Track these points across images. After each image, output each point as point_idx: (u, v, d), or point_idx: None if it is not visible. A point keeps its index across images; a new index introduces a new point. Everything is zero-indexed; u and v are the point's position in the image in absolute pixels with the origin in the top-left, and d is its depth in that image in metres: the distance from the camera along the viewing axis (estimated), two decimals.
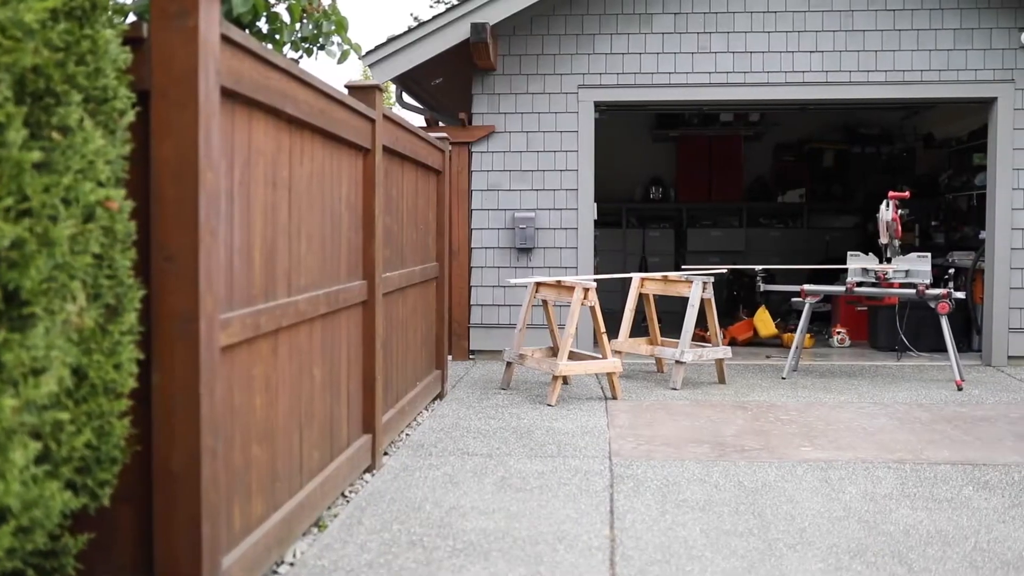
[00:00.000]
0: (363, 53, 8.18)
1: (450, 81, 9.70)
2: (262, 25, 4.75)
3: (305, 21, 4.94)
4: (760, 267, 9.06)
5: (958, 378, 7.45)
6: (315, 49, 5.07)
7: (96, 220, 2.38)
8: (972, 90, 8.70)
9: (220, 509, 2.92)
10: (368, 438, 4.85)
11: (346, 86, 4.80)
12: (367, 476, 4.82)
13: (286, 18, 4.79)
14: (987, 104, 8.82)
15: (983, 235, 9.07)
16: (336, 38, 5.05)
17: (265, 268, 3.42)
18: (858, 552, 3.73)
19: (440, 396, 7.04)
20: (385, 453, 5.25)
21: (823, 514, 4.22)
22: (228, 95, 2.99)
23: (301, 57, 5.08)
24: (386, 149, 5.22)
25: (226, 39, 2.88)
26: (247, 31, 4.57)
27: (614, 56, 8.84)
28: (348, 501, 4.40)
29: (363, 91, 4.84)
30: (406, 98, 9.78)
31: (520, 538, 3.88)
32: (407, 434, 5.79)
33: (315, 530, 3.98)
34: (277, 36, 4.80)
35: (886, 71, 8.69)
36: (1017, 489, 4.65)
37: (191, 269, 2.71)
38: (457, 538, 3.87)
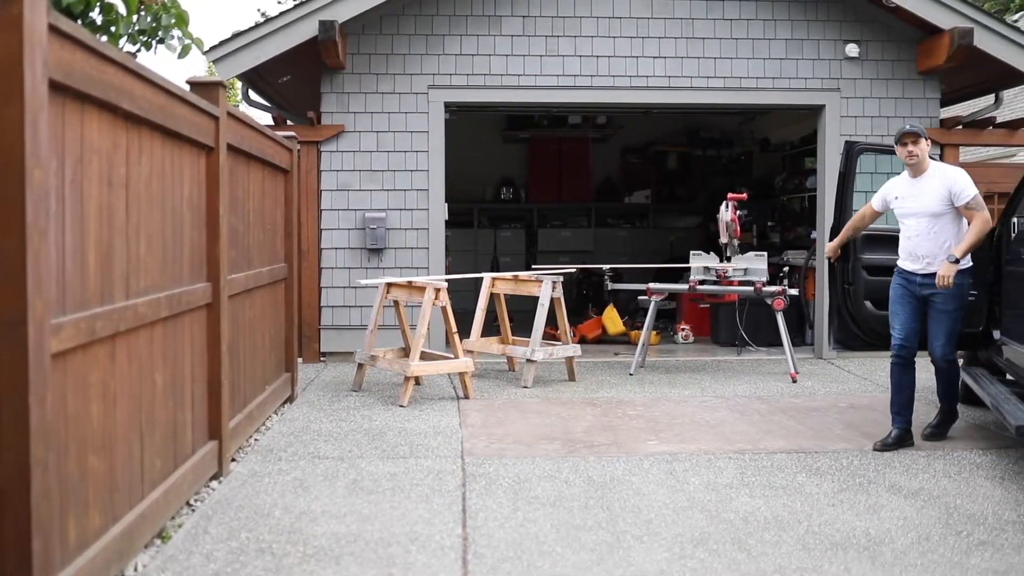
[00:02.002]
0: (206, 48, 7.92)
1: (299, 79, 9.52)
2: (96, 16, 4.54)
3: (143, 13, 4.76)
4: (608, 266, 9.30)
5: (793, 371, 7.85)
6: (154, 43, 4.90)
7: None
8: (803, 97, 9.19)
9: (53, 523, 2.78)
10: (214, 444, 4.71)
11: (188, 82, 4.64)
12: (214, 483, 4.68)
13: (122, 10, 4.60)
14: (816, 111, 9.33)
15: (815, 235, 9.58)
16: (176, 32, 4.89)
17: (101, 270, 3.27)
18: (701, 540, 3.88)
19: (290, 399, 6.90)
20: (233, 459, 5.11)
21: (668, 505, 4.36)
22: (58, 88, 2.84)
23: (139, 51, 4.89)
24: (231, 147, 5.08)
25: (54, 29, 2.74)
26: (79, 22, 4.36)
27: (464, 57, 8.88)
28: (194, 510, 4.26)
29: (206, 88, 4.69)
30: (253, 96, 9.52)
31: (372, 541, 3.85)
32: (256, 439, 5.65)
33: (158, 541, 3.83)
34: (113, 28, 4.60)
35: (724, 77, 9.06)
36: (846, 474, 4.93)
37: (18, 271, 2.57)
38: (308, 543, 3.81)
